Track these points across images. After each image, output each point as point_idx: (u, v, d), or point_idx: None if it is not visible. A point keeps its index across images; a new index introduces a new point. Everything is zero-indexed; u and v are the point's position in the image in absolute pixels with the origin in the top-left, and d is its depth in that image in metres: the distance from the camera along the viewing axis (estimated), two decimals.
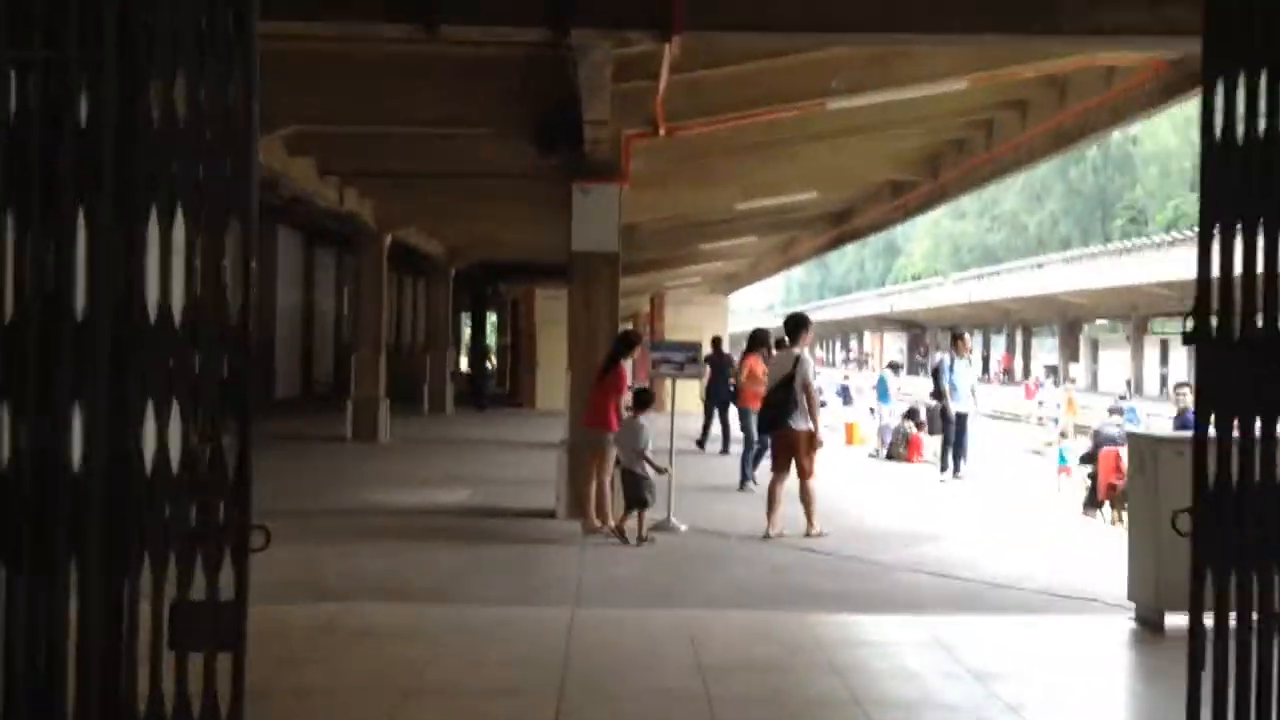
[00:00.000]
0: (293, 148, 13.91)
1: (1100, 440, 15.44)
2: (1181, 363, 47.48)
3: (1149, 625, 6.96)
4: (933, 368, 16.67)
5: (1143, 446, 7.06)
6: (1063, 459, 21.04)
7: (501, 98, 11.13)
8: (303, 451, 16.97)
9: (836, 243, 28.02)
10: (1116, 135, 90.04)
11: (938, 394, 15.23)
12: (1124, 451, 15.01)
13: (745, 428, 14.45)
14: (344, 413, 19.13)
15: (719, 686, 5.70)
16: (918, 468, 17.52)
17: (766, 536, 10.44)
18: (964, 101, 14.07)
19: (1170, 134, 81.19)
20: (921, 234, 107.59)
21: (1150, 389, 46.31)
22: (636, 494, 10.07)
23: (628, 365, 10.86)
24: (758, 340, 14.88)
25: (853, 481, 15.15)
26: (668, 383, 12.60)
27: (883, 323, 76.30)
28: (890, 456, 18.40)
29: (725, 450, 17.81)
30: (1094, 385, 51.52)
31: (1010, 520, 12.12)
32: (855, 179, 19.62)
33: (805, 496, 10.62)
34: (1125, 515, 14.86)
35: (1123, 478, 14.66)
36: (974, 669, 6.07)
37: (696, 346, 11.62)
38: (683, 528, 10.79)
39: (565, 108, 10.23)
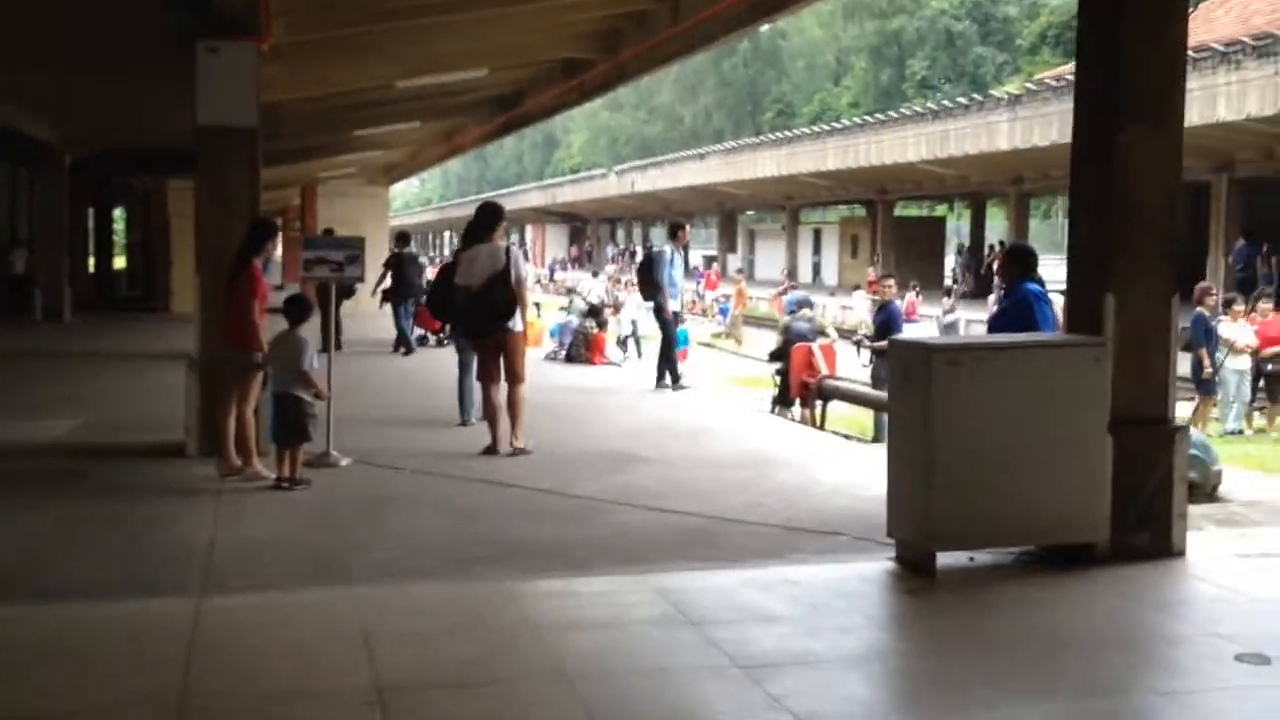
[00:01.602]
0: None
1: (790, 336, 14.66)
2: (833, 251, 48.97)
3: (915, 567, 5.86)
4: (642, 261, 14.91)
5: (908, 356, 5.90)
6: (684, 341, 19.83)
7: None
8: None
9: (505, 129, 26.31)
10: (765, 28, 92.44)
11: (652, 290, 13.53)
12: (816, 347, 14.31)
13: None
14: None
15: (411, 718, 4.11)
16: (603, 370, 16.28)
17: (494, 451, 9.47)
18: None
19: (816, 28, 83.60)
20: (580, 126, 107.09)
21: (804, 277, 47.43)
22: (296, 424, 8.20)
23: (273, 265, 8.92)
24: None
25: (537, 390, 13.69)
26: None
27: (544, 216, 75.20)
28: (570, 359, 17.08)
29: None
30: (751, 274, 52.43)
31: (716, 429, 11.01)
32: (527, 55, 17.89)
33: (517, 406, 9.55)
34: (819, 413, 14.30)
35: (815, 374, 13.95)
36: (736, 655, 4.74)
37: (359, 243, 9.69)
38: (344, 462, 9.02)
39: None
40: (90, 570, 6.08)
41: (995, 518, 5.71)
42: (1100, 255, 5.99)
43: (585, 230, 75.10)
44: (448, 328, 19.01)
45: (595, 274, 33.12)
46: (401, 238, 18.99)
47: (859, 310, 31.21)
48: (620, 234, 74.19)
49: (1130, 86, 5.86)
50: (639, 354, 20.96)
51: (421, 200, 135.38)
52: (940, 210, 57.60)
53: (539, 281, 38.35)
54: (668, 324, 13.63)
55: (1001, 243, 42.34)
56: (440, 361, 15.17)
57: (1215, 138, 24.11)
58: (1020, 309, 6.97)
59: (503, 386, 9.57)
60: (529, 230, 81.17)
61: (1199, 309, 13.68)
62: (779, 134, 47.21)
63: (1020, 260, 7.47)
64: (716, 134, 75.23)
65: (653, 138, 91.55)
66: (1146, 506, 5.87)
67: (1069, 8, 65.68)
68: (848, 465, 8.99)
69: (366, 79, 17.04)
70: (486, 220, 9.69)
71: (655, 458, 9.33)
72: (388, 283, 18.01)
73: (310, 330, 8.68)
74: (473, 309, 9.55)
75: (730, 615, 5.25)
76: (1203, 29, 28.53)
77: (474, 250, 9.66)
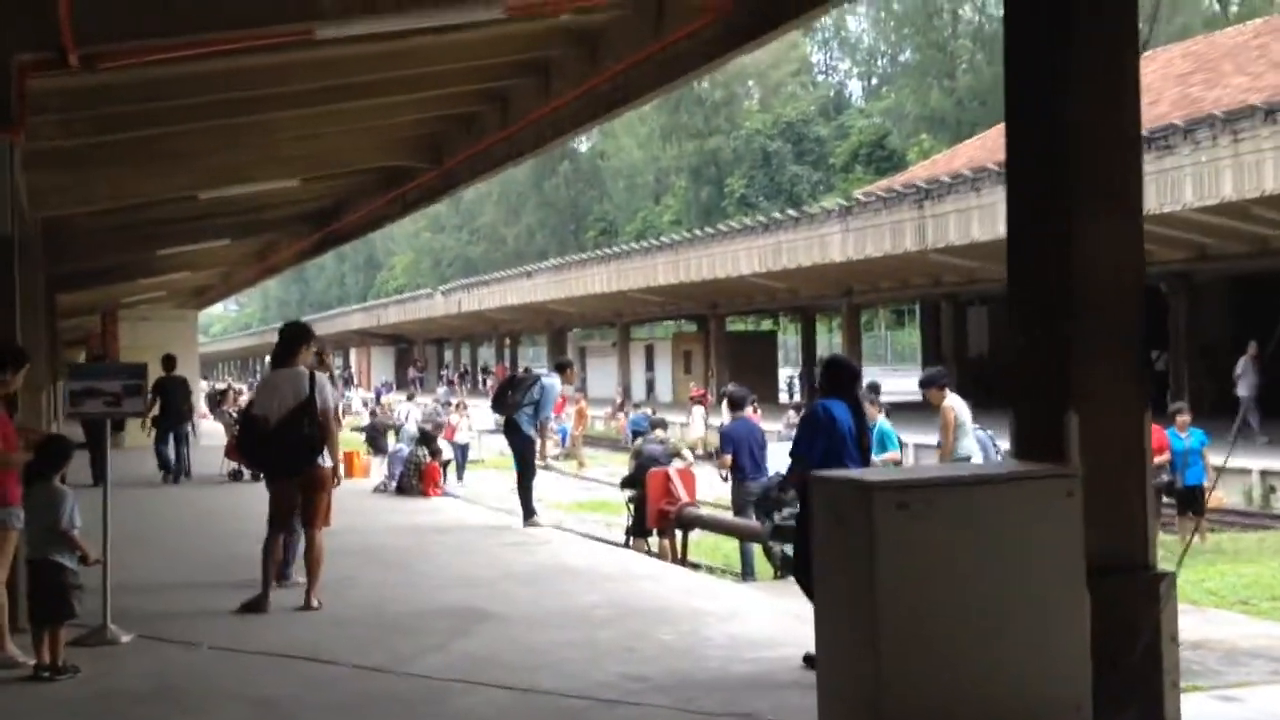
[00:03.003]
0: None
1: (644, 460, 13.43)
2: (666, 367, 48.32)
3: None
4: (514, 379, 13.19)
5: (840, 494, 4.69)
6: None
7: None
8: None
9: (322, 246, 24.80)
10: (584, 148, 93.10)
11: (510, 409, 12.18)
12: (673, 471, 13.12)
13: None
14: None
15: None
16: (437, 504, 14.72)
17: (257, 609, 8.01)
18: (473, 65, 11.58)
19: (635, 149, 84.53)
20: (402, 246, 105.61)
21: (637, 393, 46.58)
22: (58, 598, 6.53)
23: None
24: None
25: (363, 532, 12.11)
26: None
27: (369, 338, 73.02)
28: (401, 490, 15.49)
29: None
30: (584, 390, 51.37)
31: (571, 570, 9.61)
32: (342, 164, 16.53)
33: (315, 554, 8.24)
34: (679, 543, 13.04)
35: (675, 502, 12.71)
36: None
37: (139, 370, 8.08)
38: (125, 638, 7.32)
39: None
40: None
41: (960, 702, 4.50)
42: (1055, 365, 4.94)
43: (412, 351, 73.11)
44: None
45: (410, 397, 31.43)
46: (167, 361, 17.49)
47: (697, 426, 30.31)
48: (448, 354, 72.46)
49: (1082, 159, 4.89)
50: (459, 479, 19.59)
51: (240, 325, 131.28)
52: (767, 325, 57.83)
53: (365, 405, 36.35)
54: (529, 453, 12.40)
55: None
56: (249, 500, 13.45)
57: None
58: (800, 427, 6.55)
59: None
60: (353, 353, 78.70)
61: None
62: (608, 250, 46.59)
63: (824, 374, 6.85)
64: (540, 253, 74.73)
65: (476, 258, 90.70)
66: (1133, 676, 4.75)
67: (876, 129, 67.97)
68: (734, 614, 7.68)
69: (165, 189, 15.43)
70: (288, 342, 8.40)
71: (505, 613, 7.89)
72: (156, 410, 16.44)
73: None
74: (272, 445, 8.13)
75: None
76: None
77: (273, 377, 8.31)
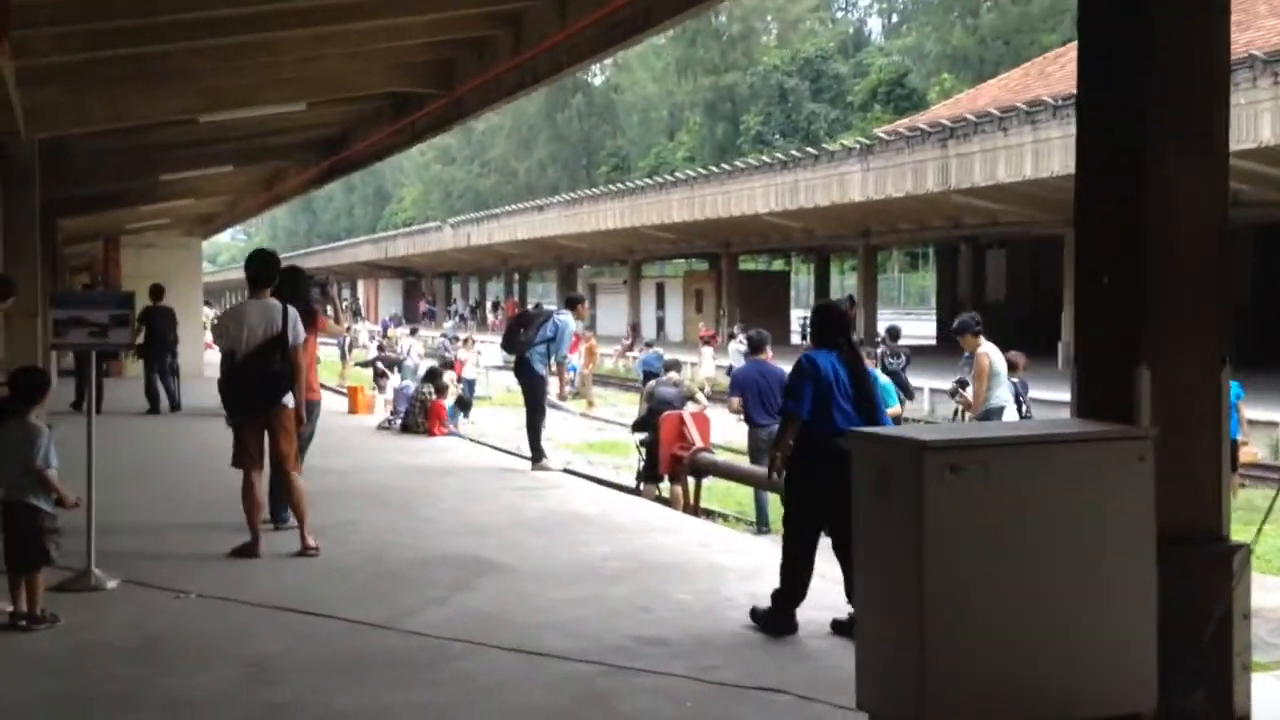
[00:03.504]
0: None
1: (656, 404, 12.96)
2: (677, 306, 47.79)
3: None
4: (526, 315, 12.54)
5: (884, 455, 4.24)
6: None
7: None
8: None
9: (330, 175, 24.17)
10: (598, 81, 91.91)
11: (521, 348, 11.71)
12: (687, 415, 12.66)
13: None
14: None
15: None
16: (443, 443, 14.31)
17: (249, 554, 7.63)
18: None
19: (650, 82, 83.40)
20: (412, 178, 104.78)
21: (648, 332, 46.14)
22: (32, 542, 6.12)
23: None
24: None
25: (366, 471, 11.72)
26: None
27: (377, 270, 72.48)
28: (406, 429, 15.08)
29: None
30: (594, 328, 50.94)
31: (583, 518, 9.20)
32: (350, 88, 15.91)
33: (296, 497, 7.88)
34: (689, 491, 12.63)
35: (688, 447, 12.26)
36: None
37: (126, 299, 7.61)
38: (111, 584, 6.93)
39: None
40: None
41: (1012, 683, 4.07)
42: (1127, 315, 4.45)
43: (420, 285, 72.61)
44: None
45: (413, 331, 30.97)
46: (155, 290, 17.07)
47: (706, 366, 29.88)
48: (456, 288, 71.96)
49: (1166, 93, 4.36)
50: (465, 416, 19.12)
51: (248, 254, 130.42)
52: (778, 265, 57.17)
53: (373, 338, 35.90)
54: (540, 395, 11.95)
55: (851, 297, 41.89)
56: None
57: (1068, 189, 23.57)
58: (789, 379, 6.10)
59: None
60: (361, 285, 78.23)
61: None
62: (621, 184, 45.86)
63: (812, 323, 6.42)
64: (551, 187, 74.01)
65: (486, 191, 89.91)
66: (1203, 656, 4.31)
67: (896, 66, 66.75)
68: (756, 571, 7.21)
69: (165, 111, 14.85)
70: (258, 272, 7.91)
71: (513, 564, 7.48)
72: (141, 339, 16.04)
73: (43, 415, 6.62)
74: (237, 380, 7.68)
75: None
76: (1037, 84, 28.27)
77: (241, 307, 7.83)
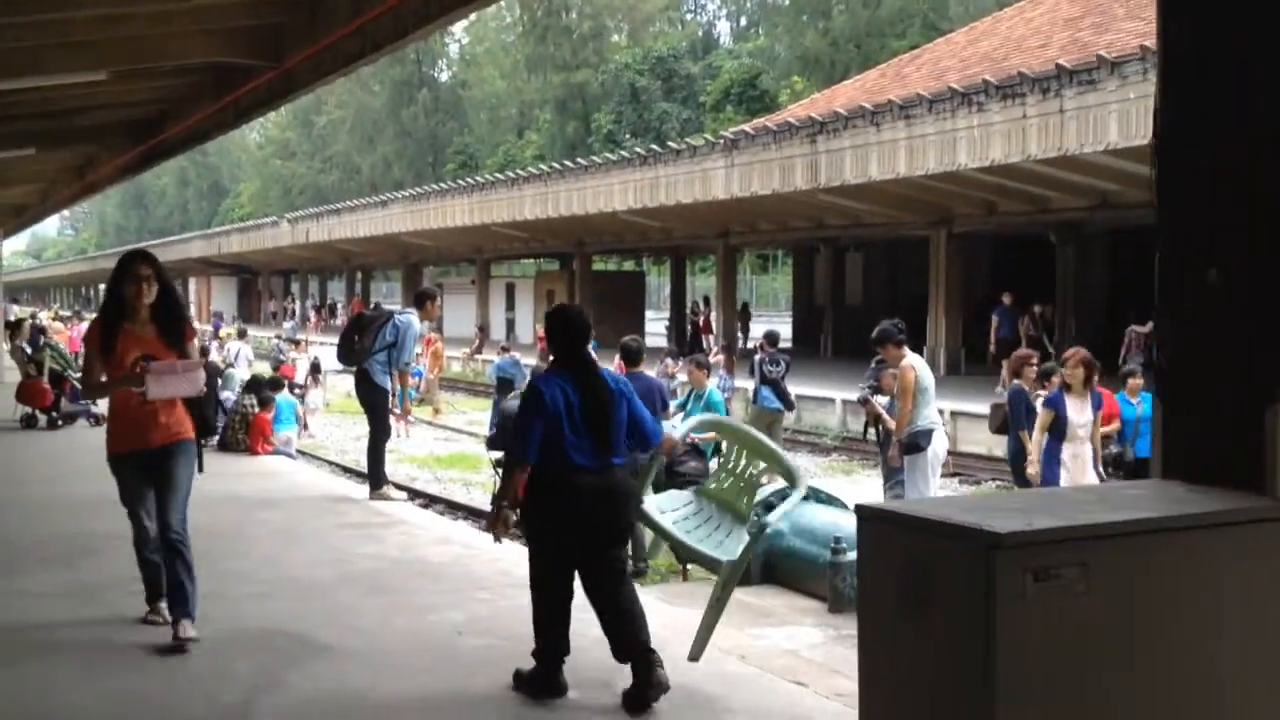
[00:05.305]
0: None
1: (509, 420, 11.33)
2: (528, 306, 46.06)
3: None
4: (361, 318, 10.47)
5: (921, 550, 2.73)
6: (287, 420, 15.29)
7: None
8: None
9: (147, 161, 21.79)
10: (444, 76, 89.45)
11: (358, 358, 10.03)
12: None
13: None
14: None
15: None
16: (267, 464, 12.40)
17: None
18: None
19: (498, 79, 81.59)
20: (250, 173, 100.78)
21: (497, 333, 44.40)
22: None
23: None
24: None
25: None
26: None
27: (210, 267, 68.86)
28: (224, 446, 13.11)
29: None
30: (441, 330, 48.87)
31: (432, 568, 7.52)
32: (159, 56, 13.86)
33: None
34: None
35: None
36: None
37: None
38: None
39: None
40: None
41: None
42: (1250, 330, 3.04)
43: (256, 282, 69.26)
44: (63, 403, 15.15)
45: (241, 334, 28.59)
46: None
47: None
48: (295, 287, 68.89)
49: None
50: (304, 428, 17.22)
51: (76, 250, 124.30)
52: (628, 266, 55.88)
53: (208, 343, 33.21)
54: (383, 411, 10.22)
55: (706, 299, 40.78)
56: (51, 450, 11.08)
57: (938, 190, 22.73)
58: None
59: None
60: (193, 282, 74.35)
61: (1016, 382, 11.01)
62: (470, 179, 43.90)
63: (546, 333, 5.35)
64: (396, 184, 71.42)
65: (328, 188, 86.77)
66: None
67: (749, 68, 66.11)
68: (660, 645, 5.66)
69: None
70: None
71: (338, 644, 5.74)
72: None
73: None
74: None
75: None
76: (894, 85, 27.45)
77: None
